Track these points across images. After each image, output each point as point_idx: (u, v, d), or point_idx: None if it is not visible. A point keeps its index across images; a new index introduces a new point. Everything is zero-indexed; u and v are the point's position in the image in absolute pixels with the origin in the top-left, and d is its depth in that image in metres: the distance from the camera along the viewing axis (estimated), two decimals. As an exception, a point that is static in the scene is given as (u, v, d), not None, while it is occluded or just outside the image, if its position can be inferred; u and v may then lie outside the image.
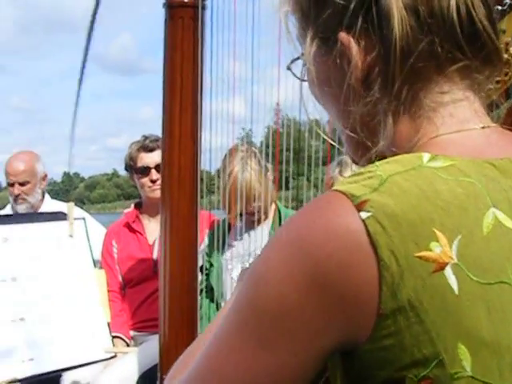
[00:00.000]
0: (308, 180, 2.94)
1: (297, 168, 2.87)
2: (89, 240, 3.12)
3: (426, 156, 0.95)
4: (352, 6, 1.01)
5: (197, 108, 2.59)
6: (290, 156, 2.94)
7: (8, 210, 5.07)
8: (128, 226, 4.31)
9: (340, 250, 0.87)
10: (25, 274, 2.86)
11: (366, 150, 1.09)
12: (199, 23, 2.57)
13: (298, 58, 1.17)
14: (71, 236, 3.04)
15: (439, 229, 0.88)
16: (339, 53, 1.04)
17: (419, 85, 1.02)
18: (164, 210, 2.64)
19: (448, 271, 0.87)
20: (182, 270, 2.61)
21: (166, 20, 2.60)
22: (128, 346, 4.02)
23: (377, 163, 0.95)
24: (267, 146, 2.70)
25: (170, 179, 2.60)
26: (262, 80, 2.52)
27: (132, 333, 4.16)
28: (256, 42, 2.49)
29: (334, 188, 0.92)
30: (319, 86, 1.12)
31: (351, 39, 1.03)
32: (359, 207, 0.88)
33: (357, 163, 1.16)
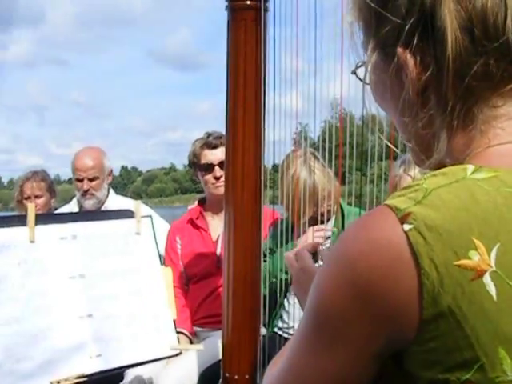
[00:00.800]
0: (364, 175, 2.92)
1: (359, 163, 2.86)
2: (155, 238, 3.14)
3: (470, 168, 0.99)
4: (409, 24, 1.03)
5: (260, 108, 2.60)
6: (348, 151, 2.93)
7: (73, 205, 5.16)
8: (192, 222, 4.35)
9: (382, 262, 0.93)
10: (93, 271, 2.90)
11: (422, 161, 1.14)
12: (262, 25, 2.57)
13: (361, 65, 1.21)
14: (138, 234, 3.07)
15: (477, 237, 0.91)
16: (397, 67, 1.07)
17: (473, 101, 1.04)
18: (227, 209, 2.66)
19: (487, 278, 0.91)
20: (245, 269, 2.62)
21: (228, 22, 2.61)
22: (191, 341, 4.06)
23: (425, 176, 1.00)
24: (323, 141, 2.69)
25: (234, 178, 2.62)
26: (318, 74, 2.50)
27: (195, 328, 4.19)
28: (312, 36, 2.47)
29: (384, 202, 0.98)
30: (378, 95, 1.17)
31: (408, 56, 1.05)
32: (403, 220, 0.93)
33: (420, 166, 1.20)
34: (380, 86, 1.14)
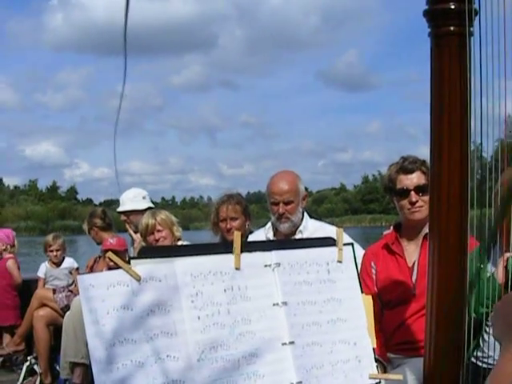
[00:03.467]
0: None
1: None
2: (357, 266, 3.14)
3: None
4: None
5: (466, 135, 2.54)
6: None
7: (268, 228, 5.26)
8: (387, 247, 4.32)
9: None
10: (295, 298, 2.93)
11: None
12: (466, 51, 2.53)
13: None
14: (340, 262, 3.08)
15: None
16: None
17: None
18: (432, 237, 2.63)
19: None
20: (449, 299, 2.58)
21: (431, 49, 2.60)
22: (385, 369, 4.01)
23: None
24: (496, 160, 2.61)
25: (438, 206, 2.58)
26: (490, 92, 2.47)
27: (388, 355, 4.15)
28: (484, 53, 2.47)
29: None
30: None
31: None
32: None
33: None
34: None
